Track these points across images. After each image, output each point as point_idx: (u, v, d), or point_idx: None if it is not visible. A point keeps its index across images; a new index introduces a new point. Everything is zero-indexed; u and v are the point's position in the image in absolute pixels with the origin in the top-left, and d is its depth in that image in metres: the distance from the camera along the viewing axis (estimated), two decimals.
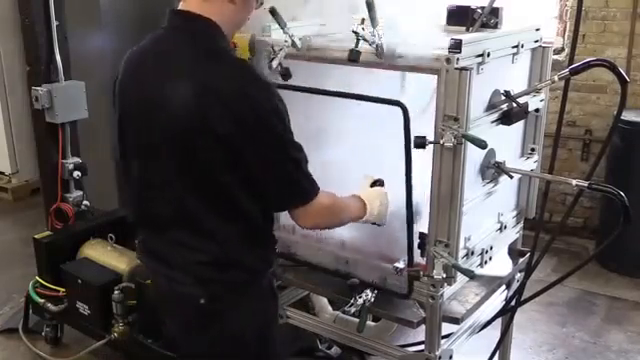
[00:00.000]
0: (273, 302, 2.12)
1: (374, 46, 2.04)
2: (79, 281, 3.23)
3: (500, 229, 2.50)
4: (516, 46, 2.30)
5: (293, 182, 1.82)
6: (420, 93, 2.28)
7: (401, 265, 2.21)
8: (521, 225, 2.70)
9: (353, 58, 2.03)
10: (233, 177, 1.78)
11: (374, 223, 2.21)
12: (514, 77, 2.38)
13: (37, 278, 3.53)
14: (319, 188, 1.88)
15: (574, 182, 2.17)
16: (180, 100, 1.72)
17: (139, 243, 2.06)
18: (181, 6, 1.84)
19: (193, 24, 1.81)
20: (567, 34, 4.79)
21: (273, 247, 2.06)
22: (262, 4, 1.94)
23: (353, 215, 2.11)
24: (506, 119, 2.27)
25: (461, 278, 2.22)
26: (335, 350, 3.36)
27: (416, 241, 2.28)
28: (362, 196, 2.15)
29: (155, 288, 2.10)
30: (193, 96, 1.71)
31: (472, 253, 2.30)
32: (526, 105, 2.33)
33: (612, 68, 2.18)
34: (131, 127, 1.93)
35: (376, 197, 2.17)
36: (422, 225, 2.22)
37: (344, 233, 2.52)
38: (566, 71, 2.21)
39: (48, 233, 3.57)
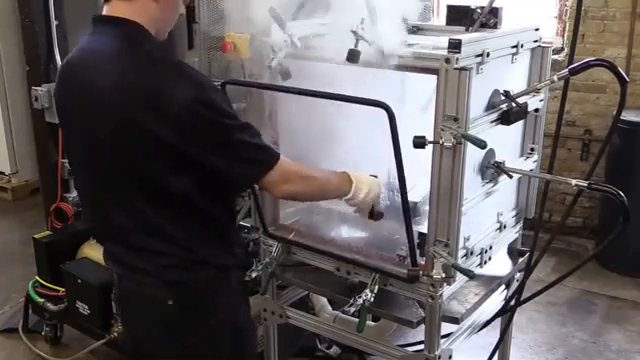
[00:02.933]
0: (243, 299, 2.14)
1: (374, 46, 2.04)
2: (79, 281, 3.23)
3: (500, 229, 2.50)
4: (515, 46, 2.30)
5: (246, 160, 1.82)
6: (420, 93, 2.28)
7: (404, 253, 2.21)
8: (521, 225, 2.70)
9: (352, 58, 2.03)
10: (184, 178, 1.78)
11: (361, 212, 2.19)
12: (514, 77, 2.38)
13: (37, 278, 3.53)
14: (278, 154, 1.87)
15: (574, 182, 2.18)
16: (112, 109, 1.72)
17: (104, 252, 2.07)
18: (105, 11, 1.84)
19: (117, 29, 1.80)
20: (566, 34, 4.80)
21: (238, 243, 2.06)
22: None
23: (333, 186, 2.07)
24: (506, 119, 2.27)
25: (460, 278, 2.22)
26: (335, 350, 3.36)
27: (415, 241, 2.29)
28: (351, 175, 2.12)
29: (120, 292, 2.07)
30: (123, 104, 1.71)
31: (471, 253, 2.30)
32: (525, 105, 2.33)
33: (611, 68, 2.18)
34: (71, 140, 1.94)
35: (366, 182, 2.13)
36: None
37: (346, 234, 2.53)
38: (565, 71, 2.21)
39: (48, 233, 3.57)
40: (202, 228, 1.90)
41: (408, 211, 2.11)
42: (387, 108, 1.95)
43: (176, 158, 1.75)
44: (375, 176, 2.23)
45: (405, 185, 2.07)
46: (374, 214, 2.26)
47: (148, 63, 1.76)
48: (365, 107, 2.11)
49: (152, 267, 1.89)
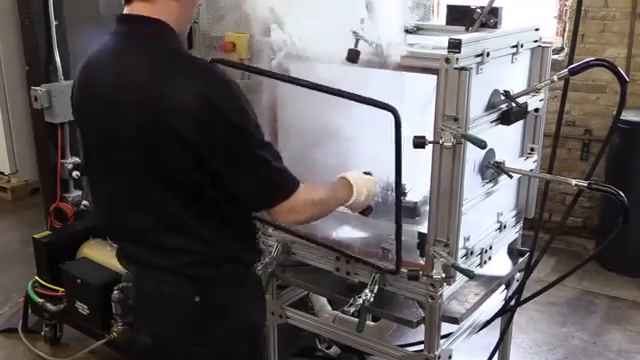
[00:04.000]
0: (262, 296, 2.15)
1: (374, 46, 2.04)
2: (78, 281, 3.23)
3: (499, 229, 2.50)
4: (515, 46, 2.30)
5: (263, 179, 1.78)
6: (420, 93, 2.28)
7: (388, 247, 2.20)
8: (520, 225, 2.70)
9: (352, 58, 2.03)
10: (204, 179, 1.75)
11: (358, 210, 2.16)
12: (513, 77, 2.38)
13: (36, 278, 3.53)
14: (298, 182, 1.84)
15: (574, 182, 2.18)
16: (138, 108, 1.70)
17: (118, 251, 2.04)
18: (127, 10, 1.81)
19: (141, 27, 1.78)
20: (566, 34, 4.80)
21: (256, 236, 2.06)
22: None
23: (338, 200, 2.04)
24: (505, 119, 2.27)
25: (460, 278, 2.22)
26: (335, 350, 3.36)
27: (415, 241, 2.29)
28: (349, 178, 2.07)
29: (139, 292, 2.03)
30: (150, 103, 1.68)
31: (471, 253, 2.30)
32: (525, 105, 2.33)
33: (611, 68, 2.18)
34: (93, 141, 1.90)
35: (364, 183, 2.09)
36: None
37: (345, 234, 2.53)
38: (565, 71, 2.21)
39: (47, 233, 3.57)
40: (225, 224, 1.87)
41: (400, 212, 2.10)
42: (395, 112, 1.94)
43: (199, 159, 1.72)
44: (369, 173, 2.19)
45: (401, 187, 2.07)
46: (366, 210, 2.22)
47: (175, 62, 1.74)
48: (368, 107, 2.10)
49: (175, 264, 1.86)
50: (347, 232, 2.52)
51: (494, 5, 2.27)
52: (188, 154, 1.71)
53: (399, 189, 2.08)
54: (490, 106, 2.24)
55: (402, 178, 2.07)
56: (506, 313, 2.67)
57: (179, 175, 1.76)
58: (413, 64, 2.07)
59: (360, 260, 2.30)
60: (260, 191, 1.81)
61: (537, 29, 2.44)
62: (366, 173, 2.19)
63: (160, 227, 1.84)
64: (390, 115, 1.97)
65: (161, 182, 1.78)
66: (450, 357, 2.34)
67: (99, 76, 1.82)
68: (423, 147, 2.01)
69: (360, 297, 2.22)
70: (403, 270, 2.19)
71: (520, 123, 2.49)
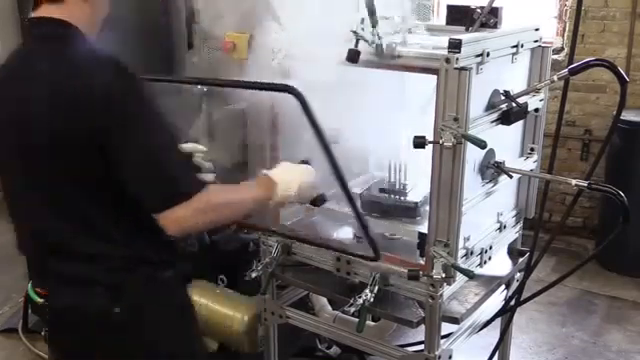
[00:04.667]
0: (184, 293, 2.02)
1: (374, 46, 2.04)
2: None
3: (499, 229, 2.50)
4: (515, 46, 2.30)
5: (163, 177, 1.72)
6: (420, 93, 2.28)
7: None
8: (520, 225, 2.70)
9: (352, 58, 2.03)
10: (109, 175, 1.71)
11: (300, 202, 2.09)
12: (514, 77, 2.38)
13: None
14: (197, 187, 1.74)
15: (574, 182, 2.18)
16: (46, 113, 1.68)
17: (30, 270, 1.98)
18: (35, 13, 1.79)
19: (49, 30, 1.77)
20: (566, 34, 4.80)
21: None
22: None
23: (250, 202, 1.92)
24: (506, 119, 2.27)
25: (460, 278, 2.22)
26: (335, 350, 3.36)
27: (415, 241, 2.29)
28: (274, 176, 1.97)
29: (53, 308, 1.92)
30: (58, 105, 1.66)
31: (471, 253, 2.30)
32: (525, 105, 2.33)
33: (611, 68, 2.18)
34: (5, 155, 1.84)
35: (294, 174, 2.00)
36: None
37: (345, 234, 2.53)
38: (565, 71, 2.21)
39: None
40: (137, 224, 1.79)
41: (351, 199, 2.01)
42: (294, 92, 1.81)
43: (105, 154, 1.68)
44: (306, 162, 2.10)
45: (340, 171, 1.95)
46: (316, 200, 2.14)
47: (81, 63, 1.72)
48: (374, 101, 2.08)
49: (94, 272, 1.80)
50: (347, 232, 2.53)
51: (494, 5, 2.28)
52: (94, 149, 1.67)
53: (339, 173, 1.94)
54: (490, 106, 2.24)
55: (406, 177, 2.06)
56: (506, 313, 2.67)
57: (89, 173, 1.71)
58: (413, 64, 2.07)
59: (344, 252, 2.29)
60: (158, 190, 1.73)
61: (537, 29, 2.45)
62: (304, 162, 2.10)
63: (77, 232, 1.78)
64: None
65: (73, 182, 1.73)
66: (450, 357, 2.34)
67: (8, 81, 1.80)
68: (423, 147, 2.01)
69: (360, 297, 2.22)
70: (403, 270, 2.19)
71: (520, 123, 2.49)
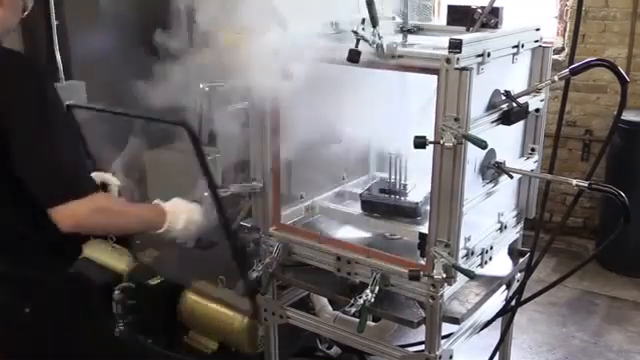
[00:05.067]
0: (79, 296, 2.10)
1: (374, 46, 2.04)
2: None
3: (500, 229, 2.50)
4: (516, 46, 2.30)
5: (57, 176, 1.78)
6: (420, 93, 2.28)
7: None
8: (521, 225, 2.70)
9: (353, 58, 2.03)
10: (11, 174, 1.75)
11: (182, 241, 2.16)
12: (514, 77, 2.38)
13: None
14: (93, 188, 1.83)
15: (574, 182, 2.17)
16: None
17: None
18: None
19: None
20: (567, 34, 4.80)
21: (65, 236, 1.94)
22: (30, 9, 1.96)
23: (141, 220, 2.03)
24: (506, 119, 2.27)
25: (461, 278, 2.22)
26: (335, 350, 3.36)
27: (416, 241, 2.29)
28: (166, 206, 2.07)
29: None
30: None
31: (472, 253, 2.30)
32: (526, 105, 2.33)
33: (612, 68, 2.18)
34: None
35: (184, 210, 2.10)
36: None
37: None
38: (566, 71, 2.20)
39: None
40: (40, 217, 1.81)
41: (234, 238, 2.09)
42: (187, 126, 1.86)
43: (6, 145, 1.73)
44: (198, 201, 2.17)
45: (223, 208, 2.04)
46: (200, 242, 2.22)
47: None
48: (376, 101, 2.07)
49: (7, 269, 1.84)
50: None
51: (495, 5, 2.27)
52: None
53: (222, 209, 2.05)
54: (491, 106, 2.24)
55: (406, 177, 2.05)
56: (507, 313, 2.67)
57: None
58: (413, 64, 2.06)
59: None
60: (53, 183, 1.79)
61: (538, 29, 2.44)
62: (195, 201, 2.16)
63: None
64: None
65: None
66: (451, 357, 2.34)
67: None
68: (424, 147, 2.01)
69: (361, 297, 2.21)
70: (404, 270, 2.19)
71: (521, 123, 2.49)
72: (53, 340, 1.96)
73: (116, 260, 3.27)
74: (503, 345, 2.84)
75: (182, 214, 2.09)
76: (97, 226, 1.91)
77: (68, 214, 1.77)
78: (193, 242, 2.16)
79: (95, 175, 2.21)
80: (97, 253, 3.38)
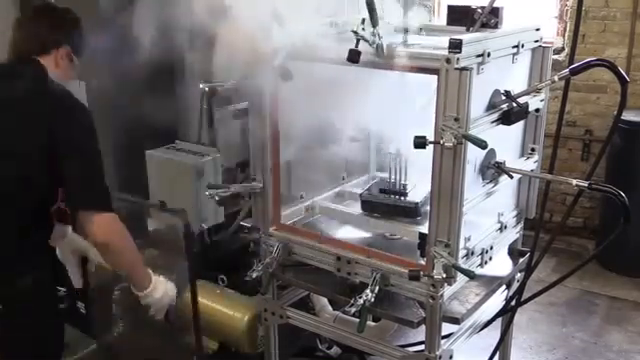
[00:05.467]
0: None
1: (374, 46, 2.04)
2: None
3: (500, 229, 2.50)
4: (516, 46, 2.30)
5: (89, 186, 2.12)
6: (420, 93, 2.28)
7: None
8: (521, 225, 2.70)
9: (353, 58, 2.03)
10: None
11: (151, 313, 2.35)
12: (514, 77, 2.38)
13: None
14: (112, 209, 2.15)
15: (574, 182, 2.17)
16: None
17: None
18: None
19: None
20: (567, 34, 4.80)
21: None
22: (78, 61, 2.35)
23: (140, 270, 2.28)
24: (506, 119, 2.27)
25: (461, 278, 2.22)
26: (335, 350, 3.36)
27: (416, 241, 2.29)
28: (153, 276, 2.31)
29: None
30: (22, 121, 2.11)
31: (472, 253, 2.30)
32: (526, 105, 2.33)
33: (612, 68, 2.18)
34: None
35: (163, 284, 2.33)
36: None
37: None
38: (566, 71, 2.20)
39: None
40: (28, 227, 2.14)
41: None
42: (184, 217, 2.36)
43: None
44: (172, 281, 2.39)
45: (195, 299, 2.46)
46: (168, 316, 2.41)
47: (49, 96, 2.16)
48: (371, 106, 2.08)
49: None
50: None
51: (495, 5, 2.27)
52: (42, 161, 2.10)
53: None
54: (491, 106, 2.24)
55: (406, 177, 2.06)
56: (507, 313, 2.67)
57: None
58: (413, 64, 2.06)
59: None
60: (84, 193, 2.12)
61: (538, 29, 2.44)
62: (170, 281, 2.40)
63: None
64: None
65: None
66: (451, 357, 2.34)
67: None
68: (424, 147, 2.01)
69: (361, 297, 2.21)
70: (404, 270, 2.19)
71: (521, 123, 2.49)
72: (22, 340, 2.20)
73: None
74: (503, 345, 2.84)
75: (162, 286, 2.32)
76: (120, 245, 2.17)
77: (104, 222, 2.09)
78: (162, 315, 2.38)
79: (71, 240, 2.52)
80: (97, 253, 3.38)
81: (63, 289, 2.78)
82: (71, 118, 2.13)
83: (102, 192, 2.15)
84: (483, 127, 2.15)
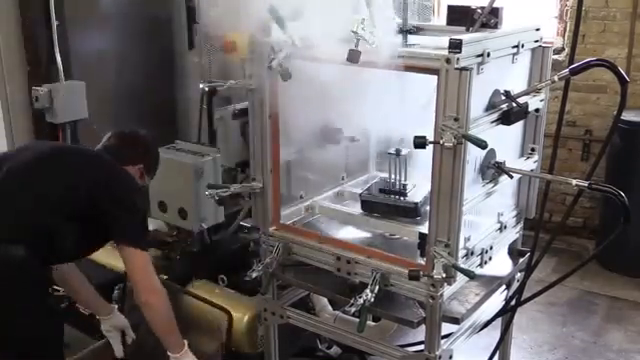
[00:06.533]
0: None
1: (374, 46, 2.04)
2: None
3: (500, 229, 2.50)
4: (516, 46, 2.30)
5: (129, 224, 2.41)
6: (420, 93, 2.28)
7: None
8: (521, 225, 2.70)
9: (352, 58, 2.03)
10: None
11: None
12: (514, 77, 2.38)
13: None
14: (147, 248, 2.47)
15: (574, 182, 2.17)
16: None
17: None
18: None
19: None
20: (567, 34, 4.80)
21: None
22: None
23: (175, 334, 2.49)
24: (506, 119, 2.27)
25: (461, 278, 2.22)
26: (335, 350, 3.36)
27: (416, 241, 2.29)
28: (186, 345, 2.52)
29: None
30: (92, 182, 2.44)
31: (472, 253, 2.30)
32: (526, 105, 2.33)
33: (612, 68, 2.18)
34: None
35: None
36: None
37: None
38: (566, 71, 2.21)
39: None
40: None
41: None
42: None
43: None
44: None
45: None
46: None
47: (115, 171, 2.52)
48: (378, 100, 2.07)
49: None
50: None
51: (494, 5, 2.27)
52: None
53: None
54: (491, 106, 2.24)
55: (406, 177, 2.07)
56: (506, 313, 2.67)
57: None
58: (413, 64, 2.06)
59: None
60: (125, 229, 2.42)
61: (538, 29, 2.44)
62: None
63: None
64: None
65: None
66: (451, 357, 2.34)
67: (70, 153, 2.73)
68: (424, 147, 2.01)
69: (361, 297, 2.22)
70: (404, 270, 2.19)
71: (521, 123, 2.49)
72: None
73: (116, 260, 3.25)
74: (503, 345, 2.84)
75: (190, 356, 2.52)
76: (157, 293, 2.46)
77: (139, 258, 2.41)
78: None
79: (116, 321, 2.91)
80: (98, 253, 3.38)
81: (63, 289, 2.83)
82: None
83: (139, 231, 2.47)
84: (483, 127, 2.15)
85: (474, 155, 2.15)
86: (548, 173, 2.40)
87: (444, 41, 2.00)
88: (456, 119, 1.98)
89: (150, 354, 3.00)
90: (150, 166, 2.70)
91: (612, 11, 4.62)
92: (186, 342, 2.52)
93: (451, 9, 2.46)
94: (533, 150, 2.60)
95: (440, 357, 2.29)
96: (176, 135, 3.56)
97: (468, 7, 2.34)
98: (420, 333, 2.39)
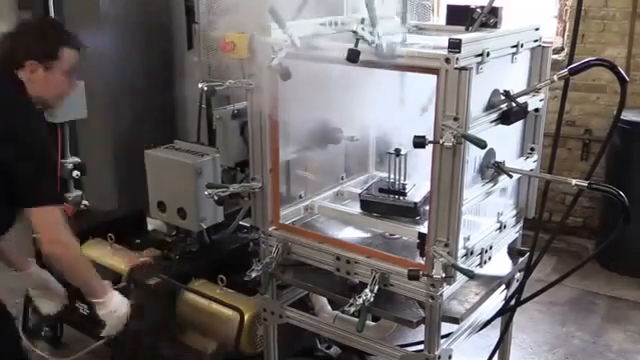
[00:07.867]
0: None
1: (374, 46, 2.04)
2: None
3: (500, 229, 2.50)
4: (516, 46, 2.30)
5: (32, 184, 2.20)
6: (420, 92, 2.28)
7: None
8: (521, 225, 2.70)
9: (352, 58, 2.03)
10: None
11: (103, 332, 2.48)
12: (514, 77, 2.38)
13: None
14: (59, 202, 2.32)
15: (574, 182, 2.17)
16: None
17: None
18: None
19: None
20: (567, 34, 4.80)
21: None
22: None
23: (90, 279, 2.39)
24: (505, 119, 2.27)
25: (461, 278, 2.22)
26: (335, 350, 3.36)
27: (415, 241, 2.29)
28: (113, 290, 2.45)
29: None
30: None
31: (471, 253, 2.30)
32: (525, 105, 2.33)
33: (612, 68, 2.18)
34: None
35: (119, 300, 2.47)
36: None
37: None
38: (565, 71, 2.21)
39: None
40: None
41: None
42: None
43: None
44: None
45: None
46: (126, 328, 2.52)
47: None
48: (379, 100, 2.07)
49: None
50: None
51: (494, 5, 2.27)
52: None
53: None
54: (490, 106, 2.24)
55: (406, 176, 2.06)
56: (506, 313, 2.67)
57: None
58: (413, 64, 2.06)
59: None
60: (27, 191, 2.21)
61: (537, 29, 2.44)
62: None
63: None
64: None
65: None
66: (450, 357, 2.34)
67: None
68: (423, 147, 2.01)
69: (360, 297, 2.21)
70: (403, 270, 2.19)
71: (520, 123, 2.49)
72: None
73: (115, 260, 3.27)
74: (503, 344, 2.84)
75: (117, 301, 2.45)
76: (64, 248, 2.27)
77: (42, 216, 2.21)
78: (114, 332, 2.50)
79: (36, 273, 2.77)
80: (96, 253, 3.39)
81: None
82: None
83: (36, 191, 2.22)
84: (482, 127, 2.15)
85: (473, 155, 2.15)
86: (547, 173, 2.40)
87: (443, 41, 2.00)
88: (455, 119, 1.98)
89: (150, 354, 3.00)
90: (47, 51, 2.31)
91: (612, 11, 4.62)
92: (108, 282, 2.47)
93: (450, 9, 2.46)
94: (532, 150, 2.59)
95: (440, 357, 2.29)
96: (175, 135, 3.56)
97: (467, 7, 2.34)
98: (420, 333, 2.39)
